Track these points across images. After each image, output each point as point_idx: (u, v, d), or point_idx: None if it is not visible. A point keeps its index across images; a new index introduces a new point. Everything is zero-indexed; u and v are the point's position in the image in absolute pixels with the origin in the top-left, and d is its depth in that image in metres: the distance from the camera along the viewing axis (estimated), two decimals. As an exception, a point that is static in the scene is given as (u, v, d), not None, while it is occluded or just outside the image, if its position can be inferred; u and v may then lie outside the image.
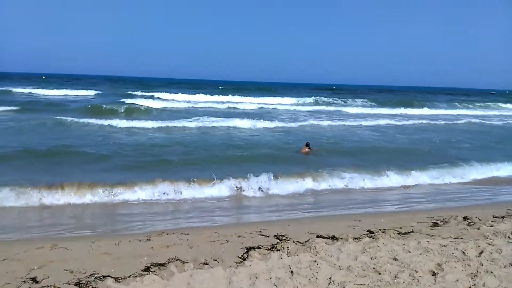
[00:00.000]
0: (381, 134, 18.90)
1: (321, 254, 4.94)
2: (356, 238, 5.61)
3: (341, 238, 5.59)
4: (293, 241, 5.52)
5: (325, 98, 42.52)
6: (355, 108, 34.24)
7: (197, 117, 20.95)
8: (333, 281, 4.16)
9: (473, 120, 26.67)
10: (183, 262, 4.73)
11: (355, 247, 5.21)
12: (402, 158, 12.75)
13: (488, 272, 4.31)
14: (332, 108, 33.24)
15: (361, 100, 43.60)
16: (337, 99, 43.41)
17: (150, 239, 5.63)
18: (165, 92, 42.75)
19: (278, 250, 5.14)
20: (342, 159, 12.26)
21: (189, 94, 40.76)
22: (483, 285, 3.99)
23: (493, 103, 47.00)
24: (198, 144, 13.91)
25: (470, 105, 44.17)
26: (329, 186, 9.31)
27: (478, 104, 44.94)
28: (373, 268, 4.49)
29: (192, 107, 29.85)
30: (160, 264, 4.68)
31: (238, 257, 4.96)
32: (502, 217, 6.61)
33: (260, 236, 5.78)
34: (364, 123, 22.45)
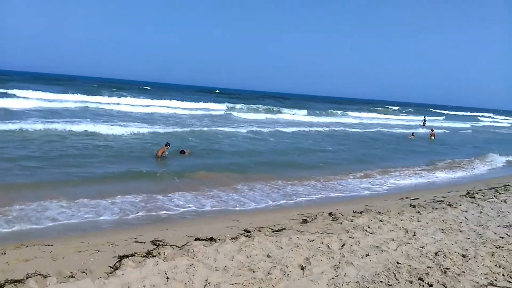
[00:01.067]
0: (264, 139, 19.76)
1: (198, 256, 4.90)
2: (234, 238, 5.71)
3: (219, 239, 5.64)
4: (171, 245, 5.39)
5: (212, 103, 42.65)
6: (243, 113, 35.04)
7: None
8: (209, 283, 4.16)
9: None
10: (45, 277, 4.24)
11: (232, 247, 5.30)
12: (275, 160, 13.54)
13: (348, 262, 4.77)
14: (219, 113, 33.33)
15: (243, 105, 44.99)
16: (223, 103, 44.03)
17: (5, 253, 4.95)
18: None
19: (154, 256, 4.95)
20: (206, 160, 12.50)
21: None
22: (344, 275, 4.40)
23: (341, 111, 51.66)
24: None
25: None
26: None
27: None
28: (248, 266, 4.62)
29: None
30: (16, 281, 4.13)
31: (110, 267, 4.65)
32: (361, 212, 7.42)
33: (135, 243, 5.51)
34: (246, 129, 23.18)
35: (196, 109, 34.66)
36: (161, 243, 5.47)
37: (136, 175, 10.00)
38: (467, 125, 48.93)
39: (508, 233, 6.13)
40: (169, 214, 7.51)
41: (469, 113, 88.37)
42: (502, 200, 8.57)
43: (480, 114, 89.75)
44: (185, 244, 5.42)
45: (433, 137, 26.39)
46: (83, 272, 4.45)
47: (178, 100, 40.10)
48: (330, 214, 7.26)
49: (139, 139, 15.61)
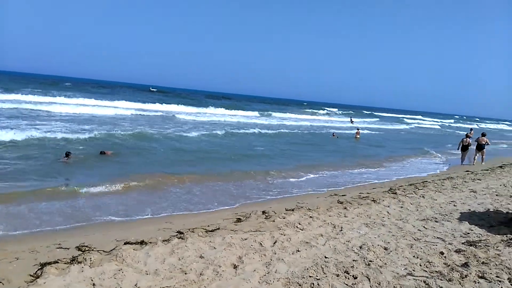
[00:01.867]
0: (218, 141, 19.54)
1: (127, 261, 4.74)
2: (166, 241, 5.60)
3: (150, 242, 5.49)
4: (98, 250, 5.15)
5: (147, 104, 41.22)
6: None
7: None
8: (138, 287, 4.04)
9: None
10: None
11: (164, 249, 5.19)
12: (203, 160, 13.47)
13: (280, 259, 4.89)
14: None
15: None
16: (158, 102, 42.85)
17: None
18: None
19: (79, 262, 4.70)
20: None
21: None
22: (275, 272, 4.50)
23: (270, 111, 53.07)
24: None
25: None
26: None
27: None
28: (180, 268, 4.55)
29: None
30: None
31: (30, 275, 4.34)
32: (293, 210, 7.63)
33: (58, 250, 5.20)
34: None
35: (138, 109, 33.10)
36: (87, 249, 5.21)
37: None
38: (400, 126, 52.46)
39: (425, 226, 6.66)
40: (96, 219, 7.16)
41: (401, 115, 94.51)
42: (421, 196, 9.29)
43: (411, 116, 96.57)
44: (114, 248, 5.21)
45: (358, 136, 27.92)
46: (0, 282, 4.11)
47: (114, 100, 38.33)
48: (263, 212, 7.38)
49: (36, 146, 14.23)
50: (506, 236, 5.94)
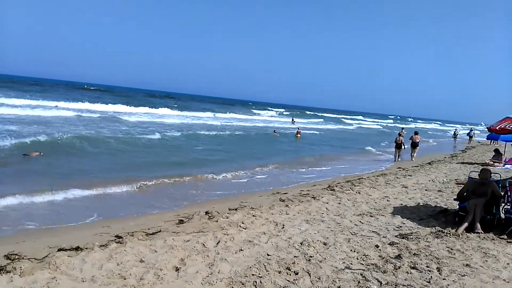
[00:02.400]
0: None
1: (62, 268, 4.47)
2: (103, 246, 5.35)
3: (87, 248, 5.22)
4: (29, 259, 4.80)
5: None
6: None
7: None
8: (74, 296, 3.83)
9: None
10: None
11: (101, 255, 4.97)
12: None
13: (223, 259, 4.87)
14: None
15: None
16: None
17: None
18: None
19: (8, 272, 4.35)
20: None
21: None
22: (218, 272, 4.47)
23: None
24: None
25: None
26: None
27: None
28: (119, 273, 4.37)
29: None
30: None
31: None
32: (236, 209, 7.64)
33: (-18, 260, 4.78)
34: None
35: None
36: (17, 257, 4.84)
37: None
38: (342, 126, 54.48)
39: (361, 221, 6.98)
40: (27, 225, 6.70)
41: (344, 116, 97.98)
42: (357, 192, 9.72)
43: (353, 116, 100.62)
44: (46, 256, 4.89)
45: (299, 136, 28.79)
46: None
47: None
48: (206, 212, 7.32)
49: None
50: (435, 228, 6.39)
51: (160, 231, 6.09)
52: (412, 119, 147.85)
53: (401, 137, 19.64)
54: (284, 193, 9.64)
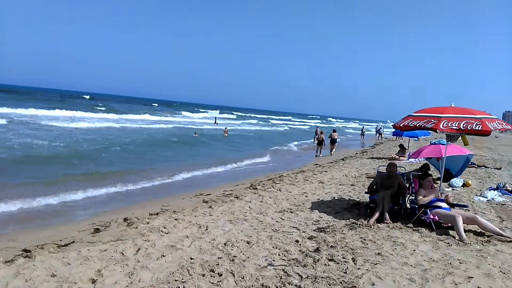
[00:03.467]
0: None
1: (-45, 293, 3.97)
2: (9, 261, 4.86)
3: (-13, 266, 4.69)
4: None
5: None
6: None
7: None
8: (-29, 323, 3.41)
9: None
10: None
11: (7, 272, 4.49)
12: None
13: (144, 267, 4.68)
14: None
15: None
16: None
17: None
18: None
19: None
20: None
21: None
22: (138, 281, 4.29)
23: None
24: None
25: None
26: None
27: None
28: (27, 292, 4.00)
29: None
30: None
31: None
32: (157, 214, 7.40)
33: None
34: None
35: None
36: None
37: None
38: (267, 128, 55.32)
39: (282, 217, 7.17)
40: None
41: (273, 116, 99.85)
42: (278, 189, 9.99)
43: (280, 117, 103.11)
44: None
45: (226, 134, 29.20)
46: None
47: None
48: (125, 219, 7.00)
49: None
50: (349, 221, 6.78)
51: (73, 242, 5.68)
52: (335, 119, 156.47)
53: (322, 135, 21.92)
54: (207, 194, 9.58)
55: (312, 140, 28.95)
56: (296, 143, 29.86)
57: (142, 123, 37.84)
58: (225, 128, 30.79)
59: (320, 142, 21.59)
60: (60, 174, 11.25)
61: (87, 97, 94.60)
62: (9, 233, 6.55)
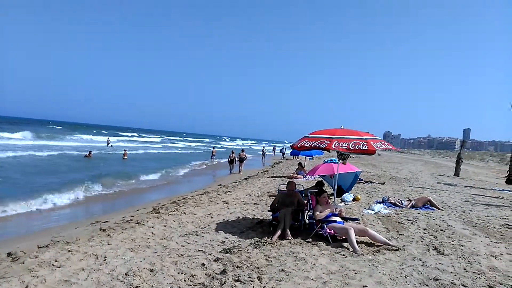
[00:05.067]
0: None
1: None
2: None
3: None
4: None
5: None
6: None
7: None
8: None
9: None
10: None
11: None
12: None
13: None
14: None
15: None
16: None
17: None
18: None
19: None
20: None
21: None
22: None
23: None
24: None
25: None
26: None
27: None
28: None
29: None
30: None
31: None
32: (47, 246, 6.70)
33: None
34: None
35: None
36: None
37: None
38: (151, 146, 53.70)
39: (187, 241, 7.03)
40: None
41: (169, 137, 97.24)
42: (182, 212, 9.79)
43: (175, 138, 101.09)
44: None
45: (126, 157, 27.96)
46: None
47: None
48: (9, 254, 6.21)
49: None
50: (254, 239, 6.91)
51: None
52: (229, 138, 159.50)
53: (233, 154, 25.09)
54: (105, 222, 8.98)
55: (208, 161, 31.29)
56: (197, 162, 29.81)
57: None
58: (124, 151, 29.45)
59: (231, 161, 24.84)
60: None
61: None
62: None
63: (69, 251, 6.30)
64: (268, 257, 5.86)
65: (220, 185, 16.81)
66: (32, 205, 10.74)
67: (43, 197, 11.48)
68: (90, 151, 27.75)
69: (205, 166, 29.41)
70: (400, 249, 6.39)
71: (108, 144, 46.51)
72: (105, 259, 5.87)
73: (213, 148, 36.03)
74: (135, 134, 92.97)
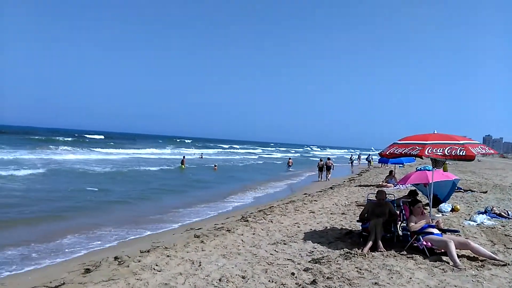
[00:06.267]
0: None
1: None
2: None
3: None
4: None
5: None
6: None
7: None
8: None
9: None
10: None
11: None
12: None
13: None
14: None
15: None
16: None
17: None
18: None
19: None
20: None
21: None
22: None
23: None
24: None
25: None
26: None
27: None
28: None
29: None
30: None
31: None
32: (148, 251, 7.25)
33: None
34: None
35: None
36: None
37: None
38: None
39: (276, 250, 7.10)
40: None
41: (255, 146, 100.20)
42: (269, 220, 9.93)
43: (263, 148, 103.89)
44: None
45: (215, 169, 29.21)
46: None
47: None
48: (115, 258, 6.84)
49: None
50: (343, 250, 6.76)
51: (64, 283, 5.51)
52: (309, 147, 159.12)
53: (321, 162, 25.91)
54: (198, 229, 9.45)
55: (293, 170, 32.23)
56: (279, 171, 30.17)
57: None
58: (215, 165, 30.88)
59: (320, 169, 25.61)
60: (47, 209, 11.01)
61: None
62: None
63: (167, 256, 6.74)
64: (360, 269, 5.68)
65: (305, 194, 16.72)
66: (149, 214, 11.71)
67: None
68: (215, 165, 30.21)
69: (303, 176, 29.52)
70: (509, 264, 5.78)
71: (201, 157, 48.28)
72: (200, 265, 6.18)
73: (289, 158, 37.90)
74: (224, 146, 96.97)
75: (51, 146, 42.56)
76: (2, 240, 8.15)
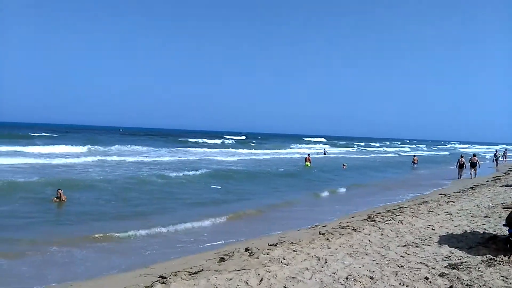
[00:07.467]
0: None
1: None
2: (148, 287, 5.42)
3: (132, 290, 5.30)
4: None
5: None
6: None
7: None
8: None
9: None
10: None
11: (147, 296, 5.02)
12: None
13: (267, 297, 4.80)
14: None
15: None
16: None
17: None
18: None
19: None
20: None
21: None
22: (264, 311, 4.40)
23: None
24: None
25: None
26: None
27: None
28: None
29: None
30: None
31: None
32: (275, 245, 7.56)
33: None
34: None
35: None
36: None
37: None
38: (383, 154, 53.38)
39: (407, 252, 6.72)
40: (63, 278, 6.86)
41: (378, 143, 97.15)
42: (399, 222, 9.41)
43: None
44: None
45: (344, 167, 28.48)
46: None
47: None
48: (246, 249, 7.28)
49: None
50: (486, 256, 6.07)
51: (202, 269, 6.08)
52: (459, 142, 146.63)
53: (462, 159, 23.88)
54: (323, 226, 9.47)
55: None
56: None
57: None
58: (344, 164, 30.29)
59: (461, 166, 23.71)
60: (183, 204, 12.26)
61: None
62: (146, 261, 7.24)
63: (294, 250, 6.93)
64: (506, 278, 5.04)
65: (441, 194, 15.37)
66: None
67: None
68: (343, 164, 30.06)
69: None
70: None
71: (324, 153, 48.14)
72: (326, 262, 6.20)
73: (414, 156, 34.91)
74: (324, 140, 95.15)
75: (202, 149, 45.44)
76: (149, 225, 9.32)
